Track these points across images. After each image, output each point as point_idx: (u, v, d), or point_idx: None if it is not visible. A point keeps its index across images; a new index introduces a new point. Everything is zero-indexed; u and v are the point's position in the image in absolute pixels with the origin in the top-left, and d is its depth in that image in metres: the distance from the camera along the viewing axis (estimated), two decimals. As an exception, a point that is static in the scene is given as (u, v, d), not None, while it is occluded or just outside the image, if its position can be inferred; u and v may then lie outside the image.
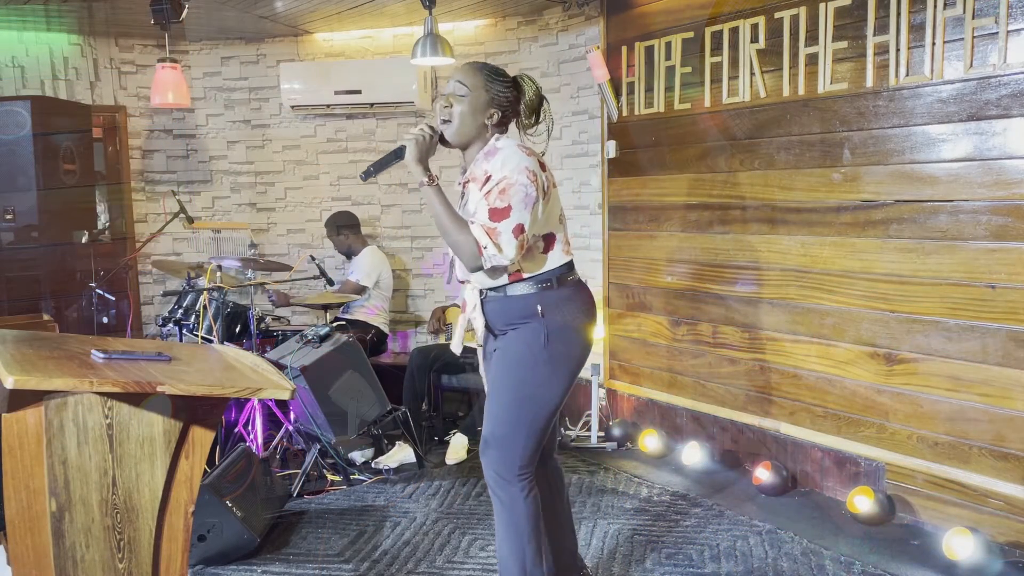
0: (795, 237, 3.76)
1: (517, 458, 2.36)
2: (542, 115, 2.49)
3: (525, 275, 2.37)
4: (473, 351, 4.66)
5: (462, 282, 2.53)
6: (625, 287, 4.68)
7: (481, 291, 2.44)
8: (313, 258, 4.76)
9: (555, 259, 2.40)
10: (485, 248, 2.25)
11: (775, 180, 3.82)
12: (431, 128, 2.38)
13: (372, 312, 5.11)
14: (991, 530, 3.09)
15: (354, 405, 3.93)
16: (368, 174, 2.42)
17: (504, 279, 2.37)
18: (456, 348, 2.63)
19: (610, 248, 4.76)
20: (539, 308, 2.35)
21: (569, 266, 2.45)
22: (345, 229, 5.23)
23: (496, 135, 2.41)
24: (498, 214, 2.25)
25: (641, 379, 4.65)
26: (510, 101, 2.42)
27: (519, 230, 2.26)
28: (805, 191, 3.70)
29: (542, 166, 2.35)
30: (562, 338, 2.37)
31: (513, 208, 2.25)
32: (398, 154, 2.39)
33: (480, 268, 2.30)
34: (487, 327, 2.46)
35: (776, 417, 3.91)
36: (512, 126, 2.49)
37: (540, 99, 2.48)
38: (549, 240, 2.40)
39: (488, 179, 2.31)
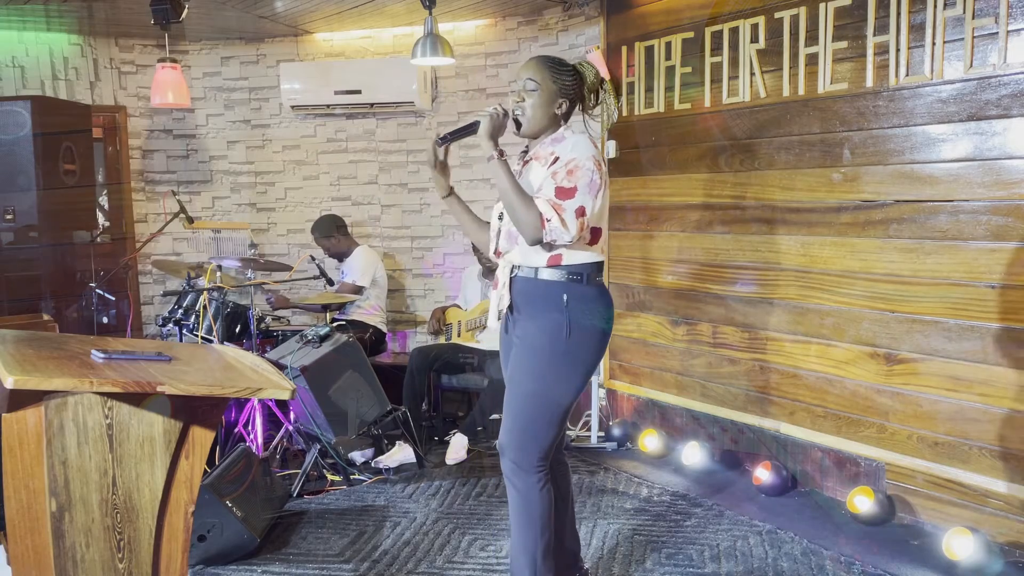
0: (795, 237, 3.76)
1: (536, 448, 2.42)
2: (601, 97, 2.62)
3: (564, 261, 2.43)
4: (472, 351, 4.70)
5: (499, 255, 2.58)
6: (625, 287, 4.68)
7: (512, 269, 2.50)
8: (313, 258, 4.76)
9: (594, 255, 2.47)
10: (549, 221, 2.32)
11: (775, 180, 3.82)
12: (503, 108, 2.49)
13: (369, 312, 5.11)
14: (991, 530, 3.09)
15: (354, 405, 3.93)
16: (445, 140, 2.53)
17: (543, 261, 2.43)
18: (492, 322, 2.66)
19: (610, 248, 4.76)
20: (565, 298, 2.41)
21: (601, 266, 2.51)
22: (336, 232, 5.19)
23: (564, 125, 2.53)
24: (564, 193, 2.33)
25: (641, 379, 4.65)
26: (575, 89, 2.53)
27: (581, 211, 2.34)
28: (805, 191, 3.70)
29: (605, 160, 2.47)
30: (583, 334, 2.42)
31: (579, 190, 2.34)
32: (473, 127, 2.48)
33: (539, 241, 2.36)
34: (511, 306, 2.52)
35: (776, 417, 3.91)
36: (575, 113, 2.60)
37: (600, 81, 2.60)
38: (596, 234, 2.46)
39: (555, 160, 2.41)
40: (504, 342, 2.62)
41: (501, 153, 2.41)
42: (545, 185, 2.37)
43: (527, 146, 2.58)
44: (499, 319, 2.61)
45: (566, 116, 2.53)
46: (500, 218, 2.54)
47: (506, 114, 2.48)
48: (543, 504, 2.44)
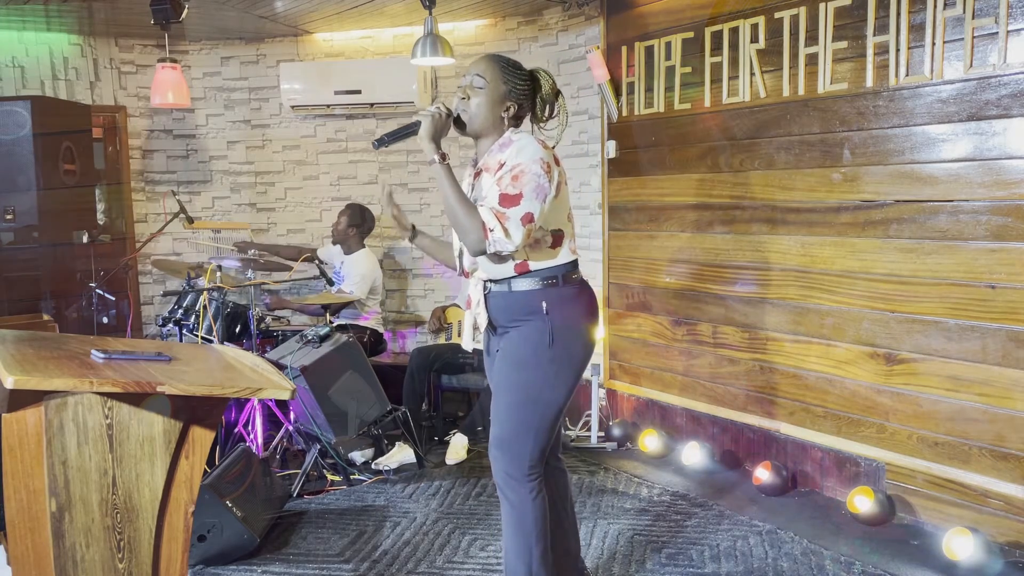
0: (795, 237, 3.76)
1: (526, 458, 2.37)
2: (557, 109, 2.50)
3: (532, 267, 2.36)
4: (471, 352, 4.69)
5: (466, 275, 2.52)
6: (625, 287, 4.68)
7: (485, 285, 2.44)
8: (313, 258, 4.76)
9: (562, 256, 2.40)
10: (492, 231, 2.24)
11: (775, 180, 3.82)
12: (447, 108, 2.39)
13: (367, 317, 5.10)
14: (991, 530, 3.09)
15: (354, 405, 3.92)
16: (382, 143, 2.41)
17: (511, 271, 2.37)
18: (467, 345, 2.64)
19: (610, 248, 4.76)
20: (544, 305, 2.35)
21: (574, 265, 2.45)
22: (357, 227, 5.11)
23: (512, 128, 2.42)
24: (509, 200, 2.25)
25: (641, 379, 4.65)
26: (527, 94, 2.43)
27: (528, 218, 2.25)
28: (805, 191, 3.70)
29: (556, 160, 2.36)
30: (566, 337, 2.37)
31: (524, 196, 2.25)
32: (412, 128, 2.39)
33: (483, 252, 2.29)
34: (490, 323, 2.46)
35: (776, 417, 3.91)
36: (526, 120, 2.50)
37: (556, 93, 2.49)
38: (558, 236, 2.39)
39: (501, 167, 2.32)
40: (488, 362, 2.57)
41: (443, 157, 2.32)
42: (490, 192, 2.29)
43: (475, 157, 2.48)
44: (474, 340, 2.57)
45: (514, 121, 2.42)
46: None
47: (449, 114, 2.37)
48: (536, 513, 2.39)
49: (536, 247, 2.35)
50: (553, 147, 2.41)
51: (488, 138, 2.42)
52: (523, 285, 2.37)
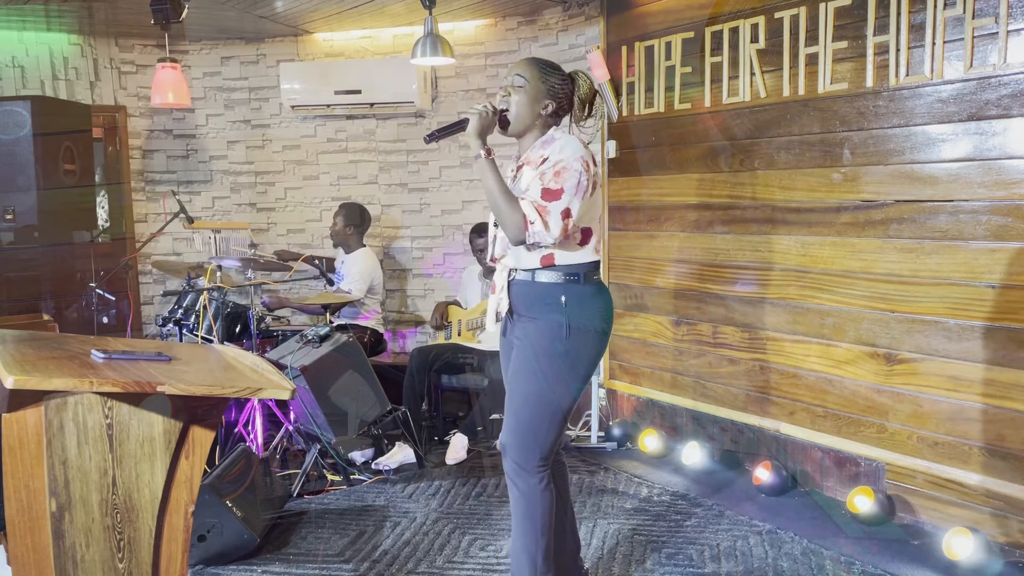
0: (795, 237, 3.76)
1: (537, 449, 2.43)
2: (594, 109, 2.60)
3: (557, 262, 2.43)
4: (471, 352, 4.70)
5: (494, 261, 2.61)
6: (625, 287, 4.68)
7: (510, 272, 2.52)
8: (313, 258, 4.76)
9: (587, 255, 2.48)
10: (532, 223, 2.32)
11: (775, 180, 3.82)
12: (493, 106, 2.48)
13: (367, 317, 5.10)
14: (991, 530, 3.09)
15: (354, 405, 3.93)
16: (432, 137, 2.51)
17: (537, 263, 2.44)
18: (490, 326, 2.68)
19: (610, 248, 4.76)
20: (563, 299, 2.42)
21: (596, 265, 2.52)
22: (354, 225, 5.12)
23: (553, 126, 2.53)
24: (550, 194, 2.33)
25: (641, 379, 4.65)
26: (565, 94, 2.52)
27: (566, 214, 2.34)
28: (805, 191, 3.70)
29: (594, 160, 2.45)
30: (582, 334, 2.43)
31: (565, 191, 2.34)
32: (461, 125, 2.48)
33: (523, 243, 2.37)
34: (510, 310, 2.53)
35: (776, 417, 3.91)
36: (565, 119, 2.59)
37: (593, 94, 2.59)
38: (586, 234, 2.46)
39: (544, 161, 2.41)
40: (504, 345, 2.63)
41: (488, 152, 2.41)
42: (532, 186, 2.38)
43: (518, 153, 2.58)
44: (496, 322, 2.63)
45: (553, 119, 2.52)
46: (496, 225, 2.55)
47: (495, 112, 2.47)
48: (545, 504, 2.45)
49: (566, 243, 2.42)
50: (588, 143, 2.50)
51: (530, 135, 2.53)
52: (546, 277, 2.45)
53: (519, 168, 2.53)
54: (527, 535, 2.46)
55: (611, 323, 2.52)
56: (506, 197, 2.36)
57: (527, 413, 2.44)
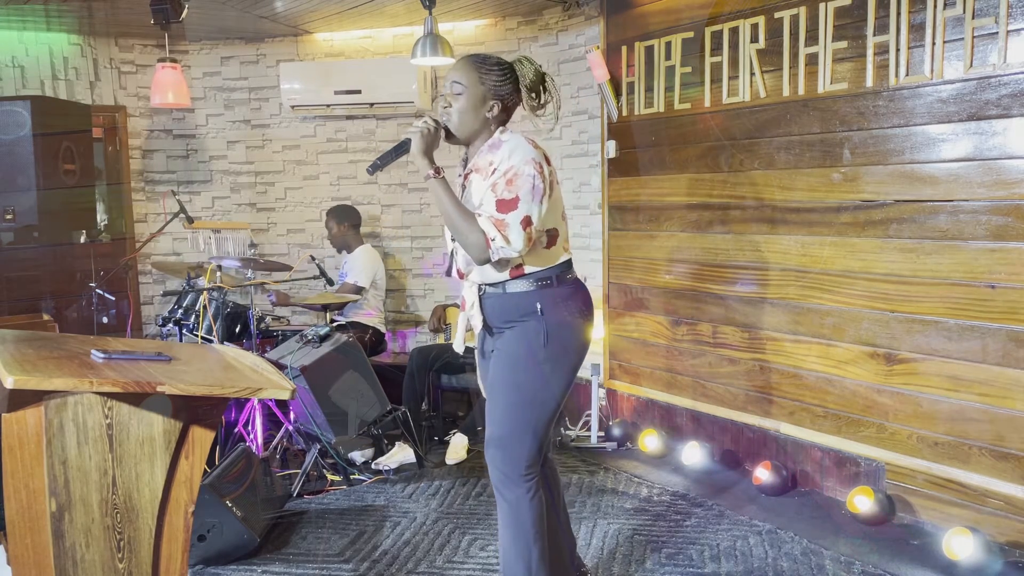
0: (795, 237, 3.76)
1: (523, 458, 2.37)
2: (546, 93, 2.44)
3: (527, 270, 2.36)
4: (472, 351, 4.69)
5: (461, 276, 2.51)
6: (625, 287, 4.68)
7: (480, 287, 2.43)
8: (313, 258, 4.76)
9: (556, 256, 2.40)
10: (493, 240, 2.23)
11: (775, 180, 3.82)
12: (435, 121, 2.37)
13: (369, 313, 5.11)
14: (991, 530, 3.09)
15: (354, 405, 3.92)
16: (375, 167, 2.41)
17: (505, 275, 2.36)
18: (459, 347, 2.63)
19: (610, 248, 4.76)
20: (539, 306, 2.35)
21: (568, 264, 2.44)
22: (348, 223, 5.22)
23: (500, 128, 2.40)
24: (505, 205, 2.24)
25: (641, 379, 4.65)
26: (509, 90, 2.39)
27: (527, 222, 2.24)
28: (805, 191, 3.70)
29: (547, 159, 2.34)
30: (561, 337, 2.37)
31: (521, 199, 2.24)
32: (403, 147, 2.39)
33: (488, 260, 2.28)
34: (485, 325, 2.45)
35: (776, 417, 3.91)
36: (518, 112, 2.47)
37: (540, 78, 2.42)
38: (552, 236, 2.39)
39: (494, 170, 2.30)
40: (481, 363, 2.56)
41: (438, 171, 2.32)
42: (486, 200, 2.27)
43: (465, 157, 2.46)
44: (464, 342, 2.57)
45: (501, 118, 2.40)
46: (453, 240, 2.43)
47: (437, 126, 2.35)
48: (534, 513, 2.38)
49: (532, 250, 2.33)
50: (551, 129, 2.40)
51: (478, 140, 2.41)
52: (518, 287, 2.36)
53: (466, 176, 2.42)
54: (518, 545, 2.39)
55: (592, 318, 2.45)
56: (463, 217, 2.26)
57: (510, 423, 2.38)
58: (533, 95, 2.41)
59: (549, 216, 2.34)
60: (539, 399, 2.37)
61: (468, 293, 2.50)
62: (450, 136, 2.40)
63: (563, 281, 2.40)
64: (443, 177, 2.33)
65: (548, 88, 2.44)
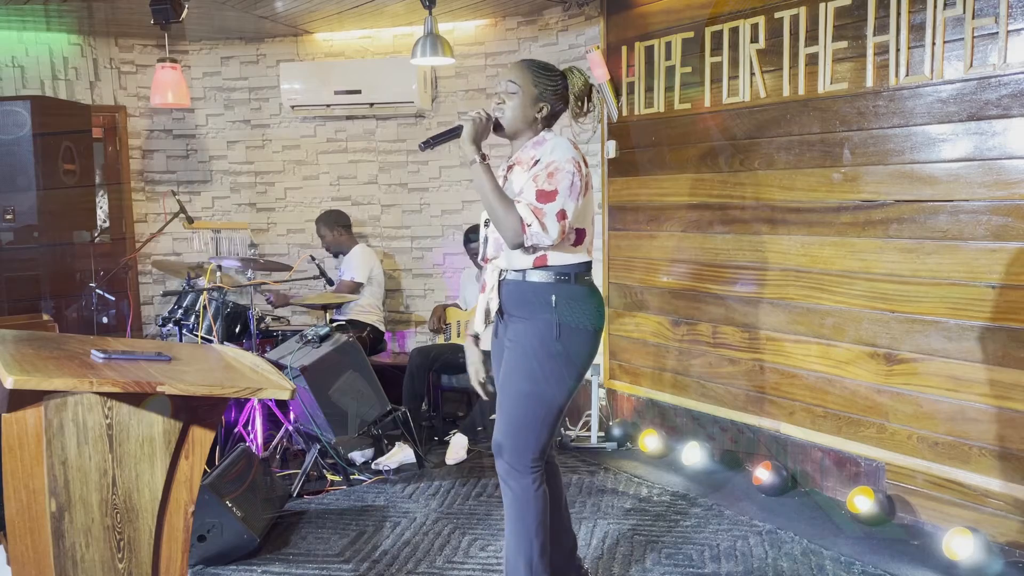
0: (795, 237, 3.76)
1: (530, 450, 2.44)
2: (592, 103, 2.62)
3: (550, 262, 2.44)
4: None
5: (488, 261, 2.62)
6: (625, 287, 4.68)
7: (501, 272, 2.53)
8: (313, 258, 4.77)
9: (580, 255, 2.49)
10: (529, 226, 2.33)
11: (775, 180, 3.82)
12: (487, 113, 2.50)
13: (367, 310, 5.11)
14: (991, 530, 3.09)
15: (354, 405, 3.92)
16: (427, 145, 2.51)
17: (529, 263, 2.45)
18: (479, 327, 2.69)
19: (610, 248, 4.76)
20: (553, 298, 2.42)
21: (588, 266, 2.53)
22: (340, 227, 5.28)
23: (546, 128, 2.54)
24: (545, 196, 2.35)
25: (641, 379, 4.65)
26: (558, 94, 2.53)
27: (562, 215, 2.35)
28: (805, 191, 3.70)
29: (584, 162, 2.46)
30: (573, 334, 2.44)
31: (559, 193, 2.35)
32: (456, 131, 2.49)
33: (521, 245, 2.37)
34: (500, 310, 2.55)
35: (776, 417, 3.91)
36: (564, 117, 2.61)
37: (588, 88, 2.59)
38: (580, 235, 2.48)
39: (536, 163, 2.43)
40: (495, 346, 2.64)
41: (483, 157, 2.43)
42: (526, 188, 2.39)
43: (511, 152, 2.59)
44: (486, 323, 2.64)
45: (548, 120, 2.54)
46: (487, 225, 2.56)
47: (488, 118, 2.48)
48: (538, 505, 2.46)
49: (560, 243, 2.42)
50: (588, 140, 2.50)
51: (523, 136, 2.54)
52: (537, 277, 2.46)
53: (510, 168, 2.55)
54: (521, 536, 2.46)
55: (602, 324, 2.53)
56: (502, 201, 2.37)
57: (520, 413, 2.45)
58: (579, 103, 2.58)
59: (580, 215, 2.44)
60: (550, 392, 2.44)
61: (490, 277, 2.61)
62: (499, 128, 2.52)
63: (580, 281, 2.48)
64: (488, 163, 2.43)
65: (592, 98, 2.62)
